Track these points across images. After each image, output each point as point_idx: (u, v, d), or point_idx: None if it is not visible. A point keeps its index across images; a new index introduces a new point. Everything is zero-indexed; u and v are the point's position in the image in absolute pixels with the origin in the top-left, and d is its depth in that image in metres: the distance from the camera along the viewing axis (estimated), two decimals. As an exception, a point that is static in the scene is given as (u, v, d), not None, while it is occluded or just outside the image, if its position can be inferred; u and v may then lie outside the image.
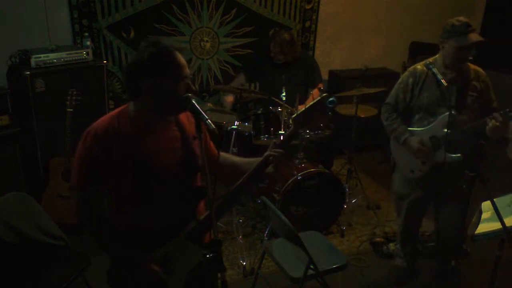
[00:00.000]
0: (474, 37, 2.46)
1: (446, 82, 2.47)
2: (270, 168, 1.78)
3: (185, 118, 1.82)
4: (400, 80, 2.79)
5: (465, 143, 2.55)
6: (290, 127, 1.82)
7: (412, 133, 2.73)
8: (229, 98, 4.01)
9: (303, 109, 1.77)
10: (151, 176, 1.70)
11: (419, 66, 2.72)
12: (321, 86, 4.09)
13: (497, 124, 2.41)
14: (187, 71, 1.66)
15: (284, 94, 3.39)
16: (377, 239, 3.55)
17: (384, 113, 2.84)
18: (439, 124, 2.61)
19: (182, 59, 1.65)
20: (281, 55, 3.97)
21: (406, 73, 2.76)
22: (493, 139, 2.54)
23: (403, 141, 2.72)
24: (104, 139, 1.64)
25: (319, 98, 1.77)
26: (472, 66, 2.64)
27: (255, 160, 1.84)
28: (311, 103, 1.75)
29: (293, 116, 1.82)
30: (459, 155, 2.55)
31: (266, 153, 1.79)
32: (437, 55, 2.67)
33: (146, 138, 1.70)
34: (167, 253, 1.77)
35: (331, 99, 1.85)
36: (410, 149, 2.70)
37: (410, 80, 2.70)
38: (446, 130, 2.48)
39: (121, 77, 1.74)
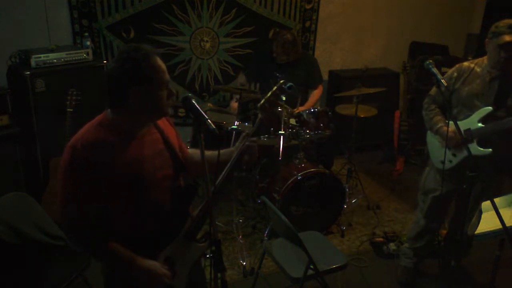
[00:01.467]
0: (508, 37, 2.49)
1: (490, 80, 2.60)
2: (245, 157, 1.87)
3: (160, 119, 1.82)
4: (446, 74, 2.84)
5: (497, 140, 2.61)
6: (258, 114, 1.98)
7: (448, 124, 2.79)
8: (234, 104, 4.01)
9: (267, 96, 1.94)
10: (143, 182, 1.67)
11: (466, 63, 2.79)
12: (321, 86, 4.08)
13: None
14: (168, 76, 1.65)
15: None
16: (377, 239, 3.55)
17: (424, 104, 2.94)
18: (474, 118, 2.65)
19: (163, 65, 1.64)
20: (284, 55, 3.97)
21: (453, 68, 2.81)
22: None
23: (436, 131, 2.80)
24: (93, 152, 1.58)
25: (277, 85, 1.98)
26: None
27: (223, 152, 1.89)
28: (271, 90, 1.95)
29: (259, 104, 1.96)
30: (489, 150, 2.59)
31: (241, 144, 1.86)
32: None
33: (132, 145, 1.67)
34: (169, 256, 1.77)
35: (288, 84, 2.05)
36: (443, 138, 2.75)
37: (455, 74, 2.76)
38: (480, 124, 2.58)
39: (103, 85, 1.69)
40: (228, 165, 1.86)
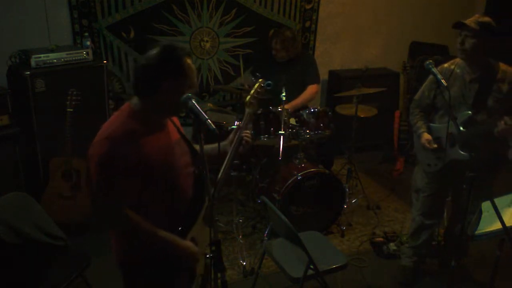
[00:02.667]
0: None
1: (470, 81, 2.63)
2: (241, 148, 2.06)
3: None
4: (429, 77, 2.86)
5: (479, 143, 2.61)
6: (247, 110, 2.21)
7: (430, 128, 2.83)
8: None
9: (251, 93, 2.21)
10: (172, 169, 1.77)
11: (446, 64, 2.80)
12: (315, 86, 4.05)
13: (505, 127, 2.46)
14: (196, 79, 1.78)
15: (284, 94, 3.39)
16: (377, 239, 3.55)
17: (410, 108, 3.00)
18: (456, 122, 2.64)
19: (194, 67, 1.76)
20: (284, 52, 3.97)
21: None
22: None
23: (418, 136, 2.85)
24: (129, 142, 1.66)
25: (258, 83, 2.26)
26: (504, 67, 2.65)
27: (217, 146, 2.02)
28: (253, 88, 2.23)
29: (246, 100, 2.22)
30: (467, 154, 2.60)
31: (236, 137, 2.03)
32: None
33: (160, 134, 1.78)
34: (193, 237, 1.88)
35: (267, 82, 2.37)
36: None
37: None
38: (461, 128, 2.59)
39: (133, 75, 1.77)
40: (228, 155, 2.02)
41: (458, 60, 2.72)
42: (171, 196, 1.81)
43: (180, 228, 1.82)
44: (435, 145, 2.73)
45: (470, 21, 2.55)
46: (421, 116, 2.90)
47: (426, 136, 2.78)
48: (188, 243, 1.83)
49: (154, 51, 1.68)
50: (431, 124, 2.86)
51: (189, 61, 1.71)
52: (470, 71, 2.65)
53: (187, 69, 1.69)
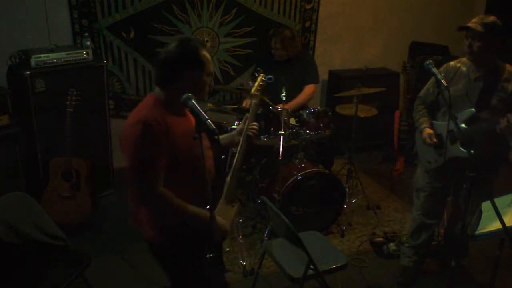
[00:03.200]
0: (469, 24, 2.55)
1: (475, 79, 2.63)
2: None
3: None
4: None
5: (480, 140, 2.62)
6: (253, 101, 2.37)
7: (433, 125, 2.84)
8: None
9: (255, 86, 2.41)
10: (198, 150, 1.81)
11: (452, 62, 2.81)
12: (313, 86, 4.05)
13: (507, 124, 2.46)
14: (212, 67, 1.95)
15: (284, 94, 3.39)
16: (377, 239, 3.55)
17: (414, 105, 3.00)
18: (458, 119, 2.66)
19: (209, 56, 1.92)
20: (283, 51, 3.98)
21: (441, 68, 2.83)
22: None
23: (421, 131, 2.85)
24: (160, 125, 1.79)
25: (260, 76, 2.48)
26: (510, 67, 2.66)
27: (224, 137, 2.27)
28: (257, 81, 2.44)
29: (251, 92, 2.39)
30: (470, 151, 2.57)
31: (244, 132, 2.20)
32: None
33: (184, 119, 1.94)
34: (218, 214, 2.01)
35: (268, 76, 2.55)
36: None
37: (441, 74, 2.75)
38: (463, 125, 2.60)
39: (155, 68, 1.92)
40: (240, 144, 2.18)
41: (464, 59, 2.73)
42: (197, 176, 1.89)
43: (207, 207, 1.89)
44: (435, 140, 2.74)
45: (475, 24, 2.54)
46: (425, 112, 2.91)
47: (428, 130, 2.80)
48: (218, 217, 1.94)
49: (172, 44, 1.84)
50: (434, 121, 2.86)
51: (204, 51, 1.86)
52: (475, 70, 2.66)
53: (203, 58, 1.85)
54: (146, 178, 1.81)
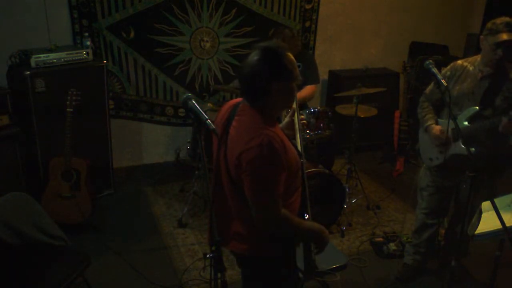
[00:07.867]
0: (506, 35, 2.48)
1: (481, 78, 2.62)
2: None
3: None
4: (441, 72, 2.84)
5: (483, 138, 2.63)
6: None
7: (437, 123, 2.83)
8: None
9: None
10: (298, 161, 1.83)
11: (459, 61, 2.80)
12: (314, 87, 4.03)
13: (508, 122, 2.46)
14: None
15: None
16: (377, 239, 3.54)
17: (419, 102, 2.98)
18: (461, 118, 2.66)
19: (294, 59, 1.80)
20: None
21: (448, 67, 2.83)
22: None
23: (425, 128, 2.84)
24: (275, 142, 1.69)
25: None
26: None
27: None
28: None
29: None
30: (472, 149, 2.58)
31: (296, 125, 2.11)
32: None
33: (282, 133, 1.83)
34: None
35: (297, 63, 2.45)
36: (430, 135, 2.82)
37: (448, 73, 2.78)
38: (466, 123, 2.61)
39: (241, 84, 1.82)
40: (298, 136, 2.11)
41: (471, 59, 2.73)
42: (300, 186, 1.89)
43: (307, 216, 1.92)
44: (447, 135, 2.71)
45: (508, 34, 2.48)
46: (430, 109, 2.89)
47: (437, 127, 2.78)
48: (322, 227, 1.94)
49: (255, 57, 1.73)
50: (438, 119, 2.86)
51: (290, 56, 1.76)
52: (483, 69, 2.66)
53: (289, 65, 1.74)
54: (270, 204, 1.73)
